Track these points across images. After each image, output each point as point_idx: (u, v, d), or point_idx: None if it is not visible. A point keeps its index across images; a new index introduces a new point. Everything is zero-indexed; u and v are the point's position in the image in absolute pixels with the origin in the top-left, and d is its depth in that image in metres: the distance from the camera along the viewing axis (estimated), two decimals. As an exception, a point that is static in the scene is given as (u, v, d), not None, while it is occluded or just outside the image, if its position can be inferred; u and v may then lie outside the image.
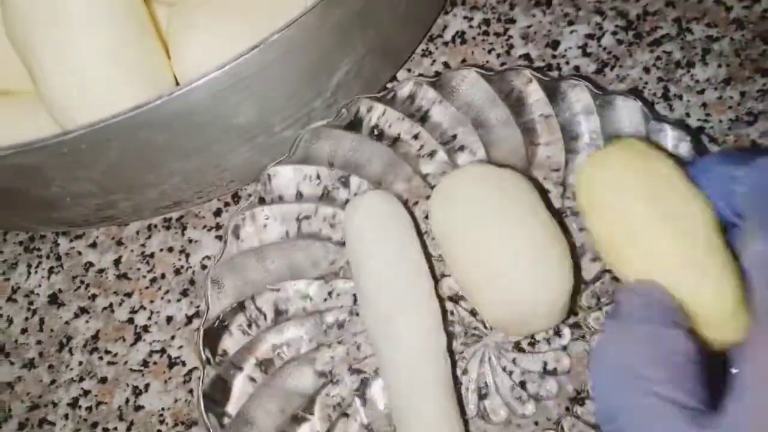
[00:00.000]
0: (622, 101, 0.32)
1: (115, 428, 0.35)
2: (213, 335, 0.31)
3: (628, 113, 0.32)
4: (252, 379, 0.31)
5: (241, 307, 0.32)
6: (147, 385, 0.35)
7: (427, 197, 0.35)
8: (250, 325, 0.32)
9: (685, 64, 0.37)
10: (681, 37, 0.38)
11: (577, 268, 0.30)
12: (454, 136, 0.36)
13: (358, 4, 0.30)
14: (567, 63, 0.38)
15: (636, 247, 0.25)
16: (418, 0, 0.36)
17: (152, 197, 0.33)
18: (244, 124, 0.30)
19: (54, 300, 0.38)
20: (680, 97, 0.37)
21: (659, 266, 0.24)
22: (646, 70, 0.37)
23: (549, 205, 0.32)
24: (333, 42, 0.30)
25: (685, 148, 0.31)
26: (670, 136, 0.31)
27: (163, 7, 0.34)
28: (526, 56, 0.39)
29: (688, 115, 0.36)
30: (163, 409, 0.35)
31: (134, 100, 0.27)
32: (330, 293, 0.35)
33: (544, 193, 0.33)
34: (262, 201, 0.33)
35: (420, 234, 0.34)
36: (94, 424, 0.35)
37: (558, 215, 0.33)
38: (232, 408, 0.30)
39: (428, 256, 0.33)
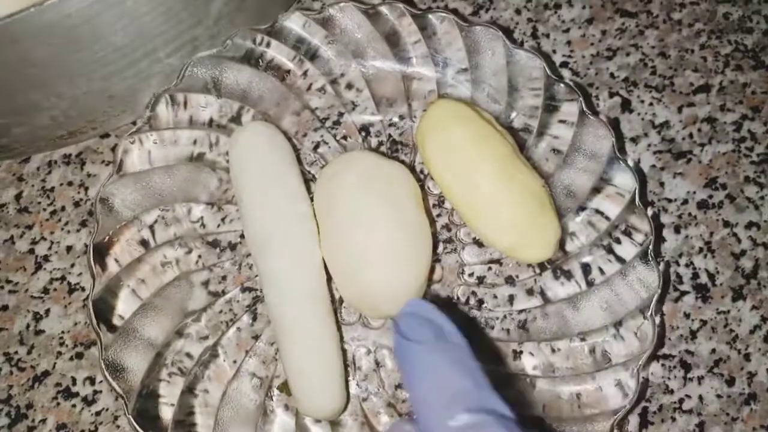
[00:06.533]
0: (484, 32, 0.35)
1: (16, 352, 0.36)
2: (103, 250, 0.33)
3: (490, 44, 0.35)
4: (138, 293, 0.33)
5: (131, 225, 0.34)
6: (47, 311, 0.37)
7: (315, 129, 0.38)
8: (141, 242, 0.34)
9: (553, 6, 0.41)
10: (550, -18, 0.41)
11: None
12: (342, 75, 0.38)
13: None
14: (446, 6, 0.41)
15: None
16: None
17: (44, 124, 0.34)
18: (123, 43, 0.31)
19: (-44, 237, 0.39)
20: (547, 36, 0.40)
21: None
22: (518, 11, 0.41)
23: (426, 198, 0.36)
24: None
25: (539, 70, 0.34)
26: (526, 62, 0.34)
27: None
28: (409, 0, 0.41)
29: (554, 51, 0.40)
30: (63, 332, 0.36)
31: (6, 9, 0.28)
32: (223, 219, 0.37)
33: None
34: (153, 126, 0.35)
35: (302, 163, 0.36)
36: (-5, 351, 0.36)
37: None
38: (120, 318, 0.32)
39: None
